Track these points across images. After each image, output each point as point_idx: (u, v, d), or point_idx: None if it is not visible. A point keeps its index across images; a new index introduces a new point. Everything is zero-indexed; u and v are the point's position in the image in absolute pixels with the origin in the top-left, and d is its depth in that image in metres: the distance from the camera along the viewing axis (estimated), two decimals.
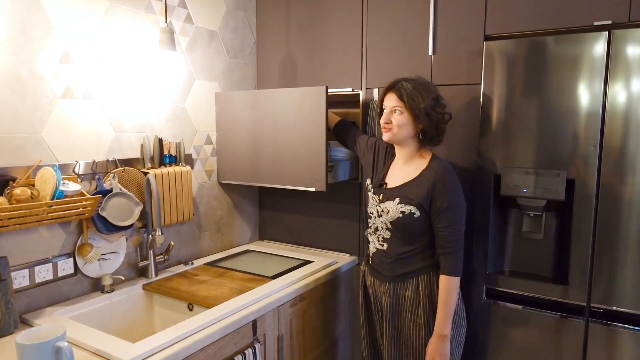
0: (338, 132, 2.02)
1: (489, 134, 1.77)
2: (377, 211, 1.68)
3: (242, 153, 2.20)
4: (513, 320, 1.78)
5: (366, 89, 2.16)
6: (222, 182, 2.31)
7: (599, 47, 1.57)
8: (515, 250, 1.85)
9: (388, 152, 1.77)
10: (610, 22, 1.62)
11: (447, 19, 1.93)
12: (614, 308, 1.61)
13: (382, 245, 1.69)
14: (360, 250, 2.27)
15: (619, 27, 1.57)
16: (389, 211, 1.63)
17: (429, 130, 1.60)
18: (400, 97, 1.60)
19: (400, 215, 1.60)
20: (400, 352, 1.68)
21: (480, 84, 1.78)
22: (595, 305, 1.64)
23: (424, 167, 1.63)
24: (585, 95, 1.60)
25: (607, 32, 1.55)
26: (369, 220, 1.74)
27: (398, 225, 1.62)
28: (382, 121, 1.65)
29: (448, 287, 1.55)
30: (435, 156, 1.67)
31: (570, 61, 1.62)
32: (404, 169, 1.67)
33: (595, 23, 1.64)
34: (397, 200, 1.62)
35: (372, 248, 1.74)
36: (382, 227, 1.68)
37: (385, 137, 1.66)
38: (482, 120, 1.78)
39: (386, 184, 1.70)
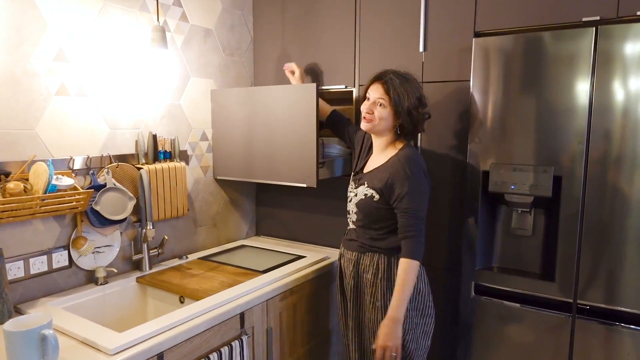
0: (330, 123, 2.05)
1: (477, 131, 1.78)
2: (351, 196, 1.78)
3: (237, 149, 2.23)
4: (501, 317, 1.79)
5: (359, 85, 2.18)
6: (218, 177, 2.35)
7: (586, 43, 1.56)
8: (504, 247, 1.86)
9: (372, 144, 1.81)
10: (598, 17, 1.61)
11: (438, 16, 1.94)
12: (600, 305, 1.61)
13: (351, 226, 1.79)
14: None
15: (606, 23, 1.57)
16: (357, 194, 1.73)
17: (407, 126, 1.65)
18: (387, 91, 1.62)
19: (363, 197, 1.69)
20: (362, 334, 1.74)
21: (470, 80, 1.78)
22: (582, 302, 1.64)
23: (392, 154, 1.68)
24: (572, 91, 1.60)
25: (594, 28, 1.55)
26: (348, 204, 1.82)
27: (360, 207, 1.71)
28: (364, 110, 1.68)
29: (406, 269, 1.56)
30: (406, 145, 1.70)
31: (558, 57, 1.61)
32: (378, 157, 1.74)
33: (584, 19, 1.64)
34: (366, 184, 1.70)
35: (349, 227, 1.83)
36: (351, 211, 1.77)
37: (364, 126, 1.69)
38: (471, 117, 1.78)
39: (363, 171, 1.78)
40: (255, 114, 2.15)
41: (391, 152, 1.69)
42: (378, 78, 1.67)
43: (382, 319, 1.58)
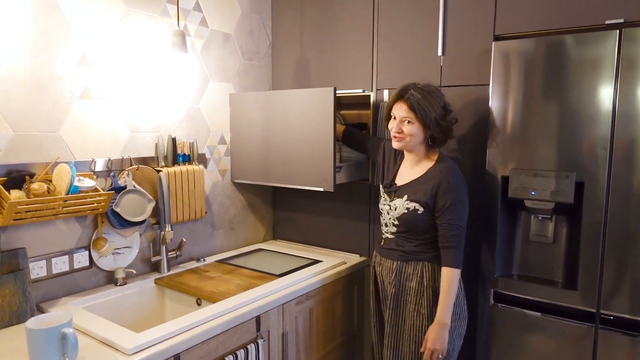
0: (347, 140, 2.09)
1: (497, 135, 1.75)
2: (387, 209, 1.78)
3: (255, 153, 2.25)
4: (521, 325, 1.75)
5: (377, 90, 2.17)
6: (235, 181, 2.36)
7: (610, 46, 1.53)
8: (524, 254, 1.82)
9: (398, 153, 1.84)
10: (622, 20, 1.58)
11: (457, 19, 1.92)
12: (625, 315, 1.56)
13: (391, 237, 1.79)
14: (370, 251, 2.28)
15: (631, 26, 1.53)
16: (396, 208, 1.73)
17: (438, 136, 1.68)
18: (411, 108, 1.63)
19: (405, 211, 1.70)
20: (399, 341, 1.76)
21: (489, 84, 1.76)
22: (605, 312, 1.59)
23: (430, 165, 1.71)
24: (595, 95, 1.56)
25: (618, 31, 1.51)
26: (380, 217, 1.85)
27: (403, 221, 1.72)
28: (393, 130, 1.70)
29: (450, 278, 1.62)
30: (442, 156, 1.73)
31: (581, 61, 1.58)
32: (413, 169, 1.75)
33: (607, 22, 1.61)
34: (405, 197, 1.71)
35: (384, 235, 1.84)
36: (390, 223, 1.78)
37: (396, 145, 1.71)
38: (491, 122, 1.76)
39: (396, 183, 1.78)
40: (272, 117, 2.16)
41: (427, 163, 1.72)
42: (400, 96, 1.67)
43: (428, 325, 1.66)
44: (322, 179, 2.01)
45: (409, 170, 1.76)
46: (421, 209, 1.68)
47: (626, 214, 1.53)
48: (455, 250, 1.63)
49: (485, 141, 1.79)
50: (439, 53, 1.97)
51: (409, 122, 1.66)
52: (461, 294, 1.72)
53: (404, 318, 1.75)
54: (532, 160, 1.69)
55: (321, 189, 2.02)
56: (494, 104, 1.75)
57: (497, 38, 1.82)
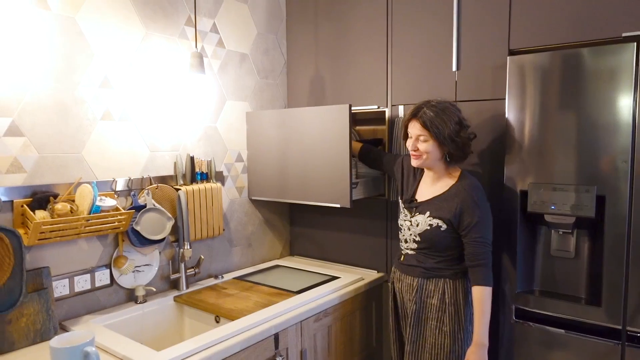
0: (363, 158, 2.11)
1: (514, 150, 1.74)
2: (407, 225, 1.78)
3: (272, 170, 2.27)
4: (544, 343, 1.71)
5: (392, 105, 2.18)
6: (252, 198, 2.39)
7: (628, 58, 1.52)
8: (546, 270, 1.79)
9: (417, 169, 1.84)
10: (639, 33, 1.56)
11: (471, 34, 1.93)
12: None
13: (411, 253, 1.79)
14: (387, 267, 2.26)
15: None
16: (418, 224, 1.73)
17: (455, 152, 1.68)
18: (424, 126, 1.65)
19: (428, 227, 1.70)
20: (421, 358, 1.74)
21: (505, 99, 1.76)
22: (632, 329, 1.55)
23: (452, 183, 1.71)
24: (614, 108, 1.55)
25: (635, 44, 1.50)
26: (400, 232, 1.84)
27: (425, 237, 1.71)
28: (410, 148, 1.73)
29: (483, 297, 1.61)
30: (464, 173, 1.74)
31: (598, 73, 1.57)
32: (434, 186, 1.76)
33: (624, 34, 1.59)
34: (427, 213, 1.71)
35: (403, 251, 1.83)
36: (410, 239, 1.77)
37: (415, 163, 1.73)
38: (507, 136, 1.75)
39: (416, 199, 1.78)
40: (289, 135, 2.18)
41: (449, 180, 1.72)
42: (413, 115, 1.70)
43: (450, 343, 1.67)
44: (339, 196, 2.01)
45: (430, 187, 1.77)
46: (444, 226, 1.67)
47: None
48: (485, 269, 1.63)
49: (502, 156, 1.78)
50: (454, 68, 1.97)
51: (424, 139, 1.67)
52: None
53: (425, 336, 1.73)
54: (551, 174, 1.67)
55: (338, 205, 2.03)
56: (510, 118, 1.74)
57: (512, 52, 1.82)
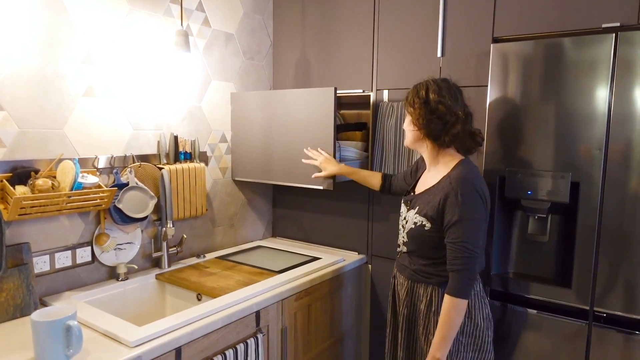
0: (388, 187, 1.94)
1: (494, 136, 1.78)
2: (402, 223, 1.66)
3: (256, 151, 2.28)
4: (516, 322, 1.78)
5: (376, 90, 2.20)
6: (236, 179, 2.39)
7: (606, 49, 1.56)
8: (520, 252, 1.85)
9: (423, 162, 1.73)
10: (618, 24, 1.60)
11: (456, 21, 1.95)
12: (618, 313, 1.59)
13: (403, 250, 1.67)
14: (368, 249, 2.30)
15: (627, 30, 1.56)
16: (407, 221, 1.61)
17: (434, 130, 1.53)
18: (405, 105, 1.61)
19: (413, 226, 1.57)
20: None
21: (487, 86, 1.79)
22: (599, 309, 1.63)
23: (445, 173, 1.55)
24: (591, 97, 1.59)
25: (614, 35, 1.54)
26: (400, 224, 1.70)
27: (411, 237, 1.59)
28: None
29: (448, 307, 1.44)
30: (462, 162, 1.55)
31: (578, 63, 1.61)
32: (428, 175, 1.64)
33: (604, 25, 1.63)
34: (417, 208, 1.58)
35: (399, 244, 1.71)
36: (401, 239, 1.67)
37: (405, 144, 1.68)
38: (488, 122, 1.79)
39: (414, 192, 1.68)
40: (273, 116, 2.19)
41: (442, 170, 1.56)
42: None
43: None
44: (322, 178, 2.03)
45: (427, 178, 1.64)
46: (428, 225, 1.52)
47: (620, 214, 1.56)
48: (457, 275, 1.44)
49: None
50: (439, 54, 2.00)
51: (408, 114, 1.60)
52: (483, 324, 1.56)
53: (415, 339, 1.63)
54: (529, 161, 1.72)
55: (321, 187, 2.05)
56: (491, 104, 1.78)
57: (495, 40, 1.85)
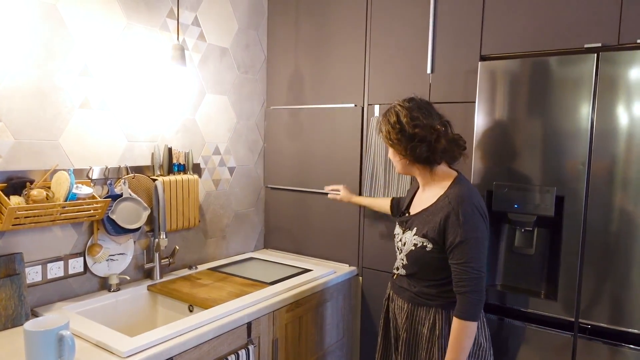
0: (397, 210, 1.93)
1: (482, 151, 1.83)
2: (399, 245, 1.61)
3: (288, 161, 2.56)
4: (504, 334, 1.81)
5: (368, 105, 2.25)
6: (268, 186, 2.66)
7: (588, 68, 1.62)
8: (508, 265, 1.88)
9: (415, 181, 1.71)
10: (600, 44, 1.67)
11: (445, 39, 2.01)
12: (603, 325, 1.63)
13: (402, 273, 1.62)
14: (359, 261, 2.33)
15: (608, 50, 1.63)
16: (405, 243, 1.57)
17: (410, 153, 1.50)
18: (382, 136, 1.59)
19: (413, 248, 1.53)
20: None
21: (475, 102, 1.84)
22: (584, 321, 1.66)
23: (441, 193, 1.52)
24: (575, 114, 1.65)
25: (595, 55, 1.61)
26: (396, 247, 1.66)
27: (411, 259, 1.54)
28: None
29: (457, 331, 1.41)
30: (458, 179, 1.53)
31: (562, 81, 1.67)
32: (424, 194, 1.60)
33: (586, 45, 1.70)
34: (415, 230, 1.53)
35: (395, 267, 1.66)
36: (399, 261, 1.61)
37: (397, 172, 1.71)
38: (476, 137, 1.84)
39: (409, 212, 1.64)
40: (304, 130, 2.46)
41: (438, 189, 1.53)
42: None
43: None
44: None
45: (422, 199, 1.60)
46: (430, 246, 1.48)
47: (604, 227, 1.61)
48: (466, 297, 1.40)
49: (470, 156, 1.86)
50: (428, 71, 2.05)
51: (388, 146, 1.59)
52: (486, 345, 1.54)
53: None
54: (516, 175, 1.76)
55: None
56: (479, 120, 1.83)
57: (483, 58, 1.91)
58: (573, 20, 1.73)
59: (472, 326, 1.42)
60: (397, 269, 1.63)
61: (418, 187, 1.67)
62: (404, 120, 1.49)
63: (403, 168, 1.59)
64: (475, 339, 1.49)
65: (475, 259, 1.42)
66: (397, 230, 1.65)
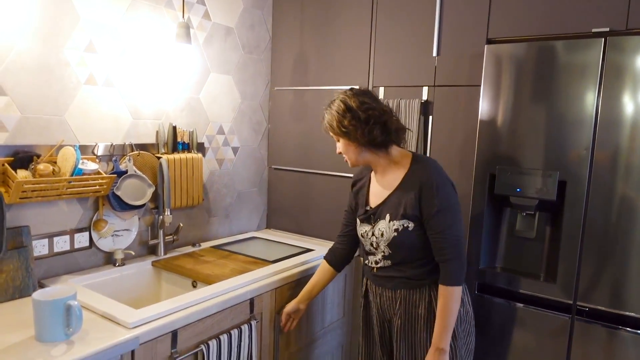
0: (342, 257, 1.81)
1: (486, 135, 1.84)
2: (373, 240, 1.58)
3: (292, 142, 2.56)
4: (502, 315, 1.84)
5: (372, 87, 2.24)
6: (273, 167, 2.66)
7: (595, 53, 1.61)
8: (508, 248, 1.91)
9: (364, 177, 1.69)
10: (607, 29, 1.66)
11: (452, 22, 2.00)
12: (601, 307, 1.65)
13: (386, 264, 1.58)
14: None
15: (615, 35, 1.62)
16: (382, 233, 1.54)
17: (374, 141, 1.49)
18: (327, 129, 1.56)
19: (395, 234, 1.51)
20: None
21: (481, 86, 1.84)
22: (582, 304, 1.69)
23: (404, 172, 1.53)
24: (580, 100, 1.65)
25: (603, 39, 1.60)
26: (363, 247, 1.65)
27: (395, 246, 1.52)
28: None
29: (445, 297, 1.45)
30: (416, 157, 1.56)
31: (568, 66, 1.67)
32: (385, 180, 1.58)
33: (593, 30, 1.69)
34: (388, 217, 1.53)
35: (373, 262, 1.61)
36: (379, 254, 1.58)
37: (350, 165, 1.61)
38: (480, 121, 1.84)
39: (371, 206, 1.61)
40: (309, 111, 2.44)
41: (399, 171, 1.54)
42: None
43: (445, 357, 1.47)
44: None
45: (381, 187, 1.58)
46: (411, 224, 1.49)
47: (605, 212, 1.62)
48: (450, 265, 1.45)
49: (474, 139, 1.87)
50: (434, 54, 2.05)
51: (336, 140, 1.56)
52: (466, 309, 1.58)
53: (416, 352, 1.56)
54: (519, 159, 1.77)
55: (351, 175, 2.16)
56: (484, 104, 1.83)
57: (489, 41, 1.90)
58: (581, 4, 1.72)
59: (459, 290, 1.47)
60: (377, 262, 1.60)
61: (368, 182, 1.64)
62: (354, 105, 1.48)
63: (357, 158, 1.55)
64: (464, 305, 1.56)
65: (452, 226, 1.46)
66: (364, 228, 1.61)
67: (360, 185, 1.69)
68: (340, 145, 1.56)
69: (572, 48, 1.67)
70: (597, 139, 1.62)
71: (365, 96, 1.51)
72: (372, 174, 1.65)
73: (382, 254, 1.57)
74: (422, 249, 1.52)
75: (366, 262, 1.66)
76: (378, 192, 1.60)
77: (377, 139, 1.49)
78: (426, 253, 1.52)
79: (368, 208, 1.61)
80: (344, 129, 1.49)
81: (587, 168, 1.65)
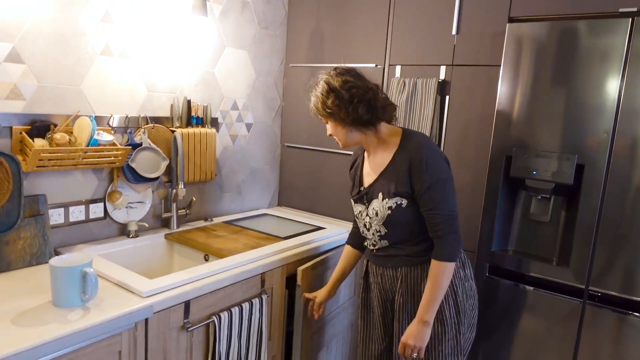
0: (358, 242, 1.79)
1: (503, 116, 1.80)
2: (367, 220, 1.57)
3: (305, 121, 2.51)
4: (513, 297, 1.84)
5: (389, 65, 2.21)
6: (286, 144, 2.64)
7: (621, 35, 1.57)
8: (522, 231, 1.89)
9: (357, 157, 1.68)
10: (635, 9, 1.61)
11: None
12: (613, 293, 1.64)
13: (383, 244, 1.58)
14: None
15: None
16: (377, 212, 1.52)
17: (360, 119, 1.47)
18: (316, 113, 1.54)
19: (390, 212, 1.50)
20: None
21: (500, 66, 1.80)
22: (594, 288, 1.68)
23: (395, 150, 1.51)
24: (603, 84, 1.61)
25: (630, 20, 1.55)
26: (360, 226, 1.64)
27: (391, 224, 1.51)
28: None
29: (435, 272, 1.44)
30: (407, 133, 1.53)
31: (591, 49, 1.62)
32: (376, 159, 1.56)
33: (621, 9, 1.64)
34: (380, 196, 1.51)
35: (371, 244, 1.62)
36: (375, 235, 1.57)
37: (342, 146, 1.58)
38: (499, 102, 1.81)
39: (364, 186, 1.59)
40: None
41: (391, 147, 1.52)
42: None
43: (447, 331, 1.50)
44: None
45: (373, 166, 1.57)
46: (404, 201, 1.47)
47: (622, 199, 1.60)
48: (443, 241, 1.44)
49: (492, 120, 1.84)
50: (454, 32, 2.00)
51: (325, 122, 1.54)
52: (468, 285, 1.57)
53: None
54: (536, 142, 1.74)
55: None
56: (503, 85, 1.79)
57: (511, 20, 1.86)
58: None
59: (451, 267, 1.45)
60: (375, 243, 1.60)
61: (362, 162, 1.63)
62: (337, 85, 1.46)
63: (346, 139, 1.53)
64: (468, 280, 1.57)
65: (445, 200, 1.44)
66: (359, 208, 1.61)
67: (355, 166, 1.68)
68: (329, 127, 1.55)
69: (596, 29, 1.62)
70: (618, 126, 1.59)
71: (348, 74, 1.48)
72: (365, 153, 1.62)
73: (379, 233, 1.56)
74: (418, 225, 1.50)
75: (365, 243, 1.66)
76: (370, 171, 1.58)
77: (363, 118, 1.46)
78: (423, 229, 1.50)
79: (362, 188, 1.60)
80: (328, 110, 1.48)
81: (606, 153, 1.62)
